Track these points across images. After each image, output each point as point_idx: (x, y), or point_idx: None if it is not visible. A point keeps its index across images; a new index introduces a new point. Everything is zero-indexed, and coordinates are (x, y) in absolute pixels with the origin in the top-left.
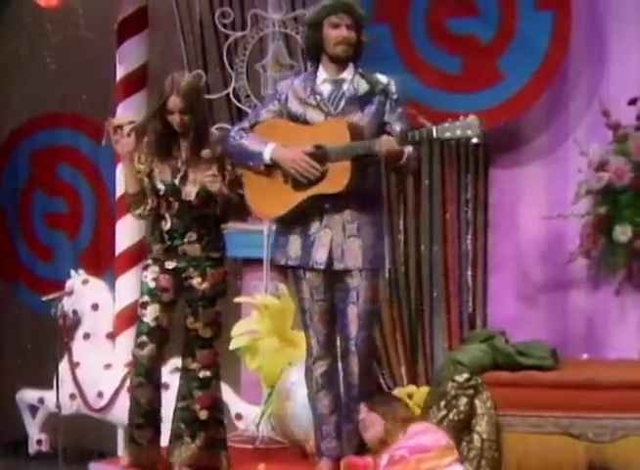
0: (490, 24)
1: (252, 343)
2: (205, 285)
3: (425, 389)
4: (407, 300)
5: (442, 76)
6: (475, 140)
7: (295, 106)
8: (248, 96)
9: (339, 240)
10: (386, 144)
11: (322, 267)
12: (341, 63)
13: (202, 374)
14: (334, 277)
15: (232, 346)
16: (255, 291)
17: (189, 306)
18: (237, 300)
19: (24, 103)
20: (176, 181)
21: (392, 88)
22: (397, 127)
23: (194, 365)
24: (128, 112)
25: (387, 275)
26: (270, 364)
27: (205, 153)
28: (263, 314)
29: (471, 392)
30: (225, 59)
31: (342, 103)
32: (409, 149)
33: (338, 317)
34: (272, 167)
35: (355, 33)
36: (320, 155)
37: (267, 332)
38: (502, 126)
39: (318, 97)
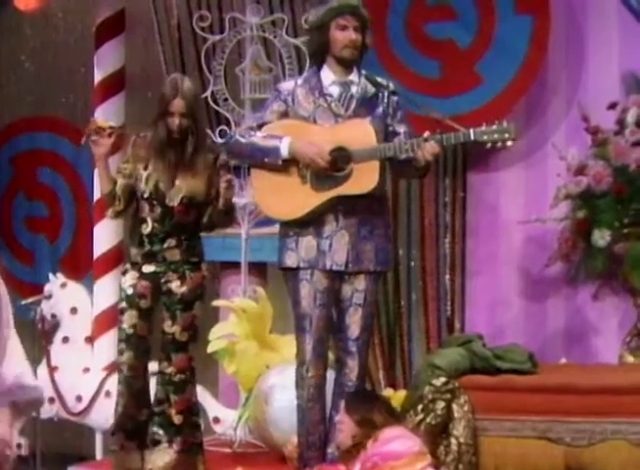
0: (469, 29)
1: (230, 346)
2: (183, 288)
3: (402, 392)
4: (385, 303)
5: (421, 80)
6: (509, 143)
7: (303, 107)
8: (226, 99)
9: (354, 242)
10: (431, 148)
11: (342, 269)
12: (347, 65)
13: (177, 378)
14: (341, 280)
15: (209, 349)
16: (233, 294)
17: (167, 310)
18: (215, 303)
19: (4, 106)
20: (162, 186)
21: (395, 90)
22: (401, 130)
23: (169, 369)
24: (106, 115)
25: None
26: (248, 368)
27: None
28: (241, 318)
29: (448, 396)
30: (203, 62)
31: (353, 105)
32: None
33: (338, 318)
34: (289, 165)
35: (362, 36)
36: (344, 156)
37: (245, 336)
38: None
39: (329, 98)
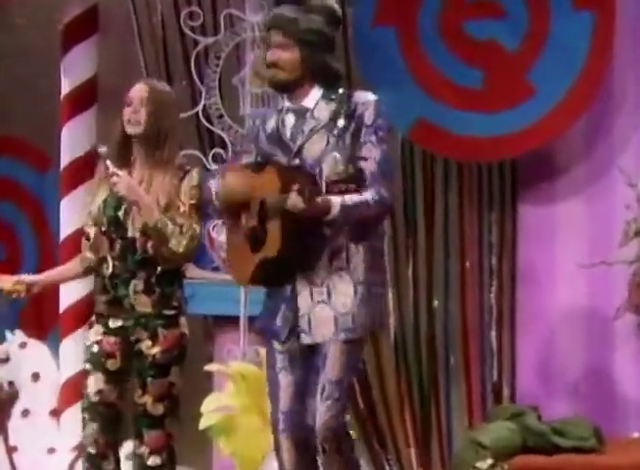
0: (518, 28)
1: (227, 421)
2: (155, 349)
3: None
4: (417, 368)
5: (460, 92)
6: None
7: (265, 144)
8: (221, 116)
9: (305, 308)
10: (292, 203)
11: (281, 340)
12: (280, 89)
13: (151, 461)
14: (304, 348)
15: (202, 425)
16: (230, 357)
17: (138, 376)
18: (207, 368)
19: None
20: (120, 213)
21: (371, 111)
22: (363, 154)
23: (141, 449)
24: (74, 133)
25: (391, 338)
26: (248, 448)
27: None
28: (240, 386)
29: None
30: (193, 70)
31: (301, 138)
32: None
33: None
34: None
35: (301, 52)
36: (261, 211)
37: (244, 408)
38: (532, 154)
39: (281, 132)
